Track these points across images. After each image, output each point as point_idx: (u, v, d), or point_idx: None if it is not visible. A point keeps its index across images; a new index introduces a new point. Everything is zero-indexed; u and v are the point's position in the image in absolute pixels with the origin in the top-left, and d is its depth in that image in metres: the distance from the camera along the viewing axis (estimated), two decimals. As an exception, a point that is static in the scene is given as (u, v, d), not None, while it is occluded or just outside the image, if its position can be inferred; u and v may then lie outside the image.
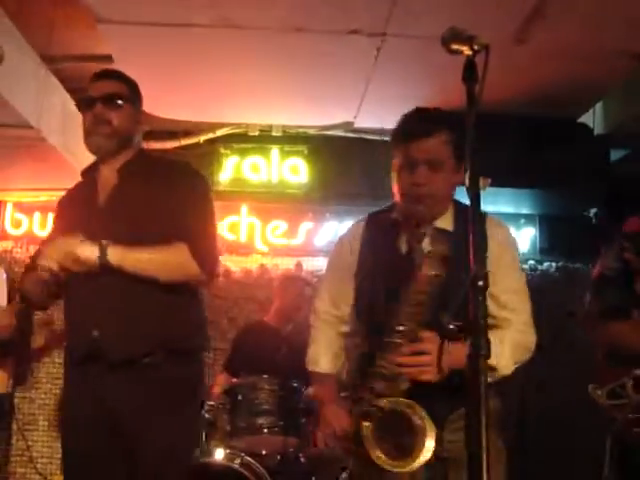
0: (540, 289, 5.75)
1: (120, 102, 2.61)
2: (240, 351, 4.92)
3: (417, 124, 2.48)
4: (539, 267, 5.95)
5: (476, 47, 1.65)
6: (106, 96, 2.60)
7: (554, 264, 5.97)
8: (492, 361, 2.25)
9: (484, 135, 4.77)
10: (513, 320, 2.44)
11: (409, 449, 2.23)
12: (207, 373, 5.38)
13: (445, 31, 1.71)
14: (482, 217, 2.54)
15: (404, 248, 2.53)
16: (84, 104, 2.64)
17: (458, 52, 1.69)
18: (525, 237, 5.96)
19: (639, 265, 2.94)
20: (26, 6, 4.12)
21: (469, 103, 1.63)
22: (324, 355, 2.70)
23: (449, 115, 2.52)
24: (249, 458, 3.88)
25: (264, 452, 4.04)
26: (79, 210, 2.66)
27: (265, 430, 4.05)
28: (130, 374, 2.44)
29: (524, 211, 5.89)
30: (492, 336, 2.30)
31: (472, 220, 1.53)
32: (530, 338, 2.49)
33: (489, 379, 2.30)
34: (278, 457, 4.05)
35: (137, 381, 2.45)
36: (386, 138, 5.70)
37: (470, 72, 1.65)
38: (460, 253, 2.37)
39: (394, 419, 2.27)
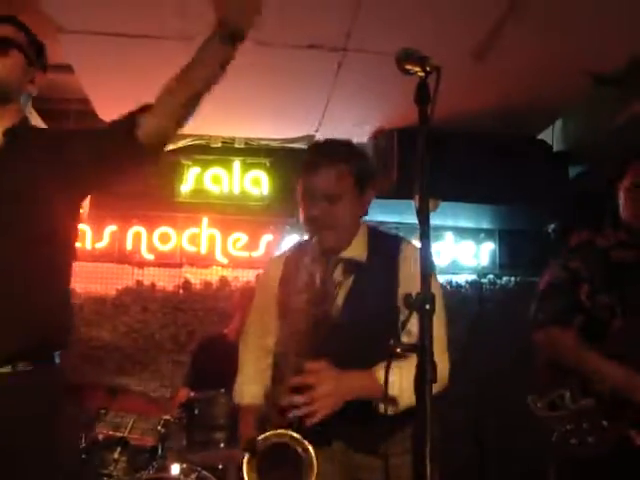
0: (499, 303, 5.83)
1: (5, 48, 2.22)
2: (199, 365, 4.88)
3: (315, 157, 2.48)
4: (498, 281, 6.00)
5: (428, 68, 1.66)
6: None
7: (513, 278, 6.02)
8: (394, 392, 2.17)
9: (444, 151, 4.78)
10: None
11: None
12: (166, 385, 5.38)
13: (398, 51, 1.72)
14: (397, 241, 2.57)
15: (318, 280, 2.48)
16: None
17: (411, 73, 1.70)
18: (485, 252, 6.01)
19: (585, 272, 3.00)
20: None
21: (420, 124, 1.63)
22: (247, 387, 2.64)
23: (350, 146, 2.55)
24: (205, 472, 3.85)
25: (220, 466, 4.01)
26: None
27: (222, 445, 4.01)
28: None
29: (484, 226, 5.94)
30: (396, 367, 2.05)
31: (422, 241, 1.52)
32: (443, 366, 2.36)
33: (390, 412, 2.22)
34: (235, 471, 4.01)
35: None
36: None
37: (422, 93, 1.65)
38: (372, 283, 2.43)
39: (281, 453, 2.20)
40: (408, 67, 1.69)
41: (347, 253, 2.49)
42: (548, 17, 3.74)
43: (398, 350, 1.59)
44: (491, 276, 6.00)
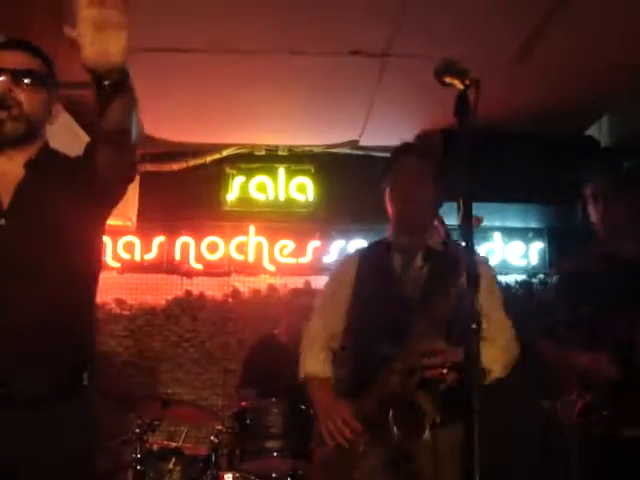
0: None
1: (33, 82, 2.14)
2: (251, 368, 4.91)
3: (406, 151, 2.85)
4: (549, 281, 5.90)
5: (467, 82, 1.64)
6: (16, 71, 2.13)
7: (564, 278, 5.92)
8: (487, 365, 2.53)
9: (490, 152, 4.72)
10: (500, 337, 2.72)
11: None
12: (218, 394, 5.41)
13: (438, 63, 1.72)
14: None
15: (398, 268, 2.74)
16: None
17: (450, 85, 1.69)
18: (534, 251, 5.93)
19: None
20: (28, 36, 4.14)
21: (461, 137, 1.61)
22: (318, 361, 2.88)
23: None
24: (259, 481, 3.86)
25: (274, 475, 4.01)
26: None
27: (275, 454, 4.01)
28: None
29: (533, 225, 5.87)
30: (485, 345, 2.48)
31: (467, 262, 1.50)
32: (515, 350, 2.80)
33: (486, 382, 2.55)
34: (288, 480, 4.01)
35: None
36: (392, 156, 5.71)
37: (461, 106, 1.64)
38: (450, 269, 2.53)
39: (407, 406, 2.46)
40: (447, 80, 1.69)
41: (429, 242, 2.72)
42: (592, 12, 3.68)
43: (444, 371, 1.58)
44: (541, 276, 5.91)
